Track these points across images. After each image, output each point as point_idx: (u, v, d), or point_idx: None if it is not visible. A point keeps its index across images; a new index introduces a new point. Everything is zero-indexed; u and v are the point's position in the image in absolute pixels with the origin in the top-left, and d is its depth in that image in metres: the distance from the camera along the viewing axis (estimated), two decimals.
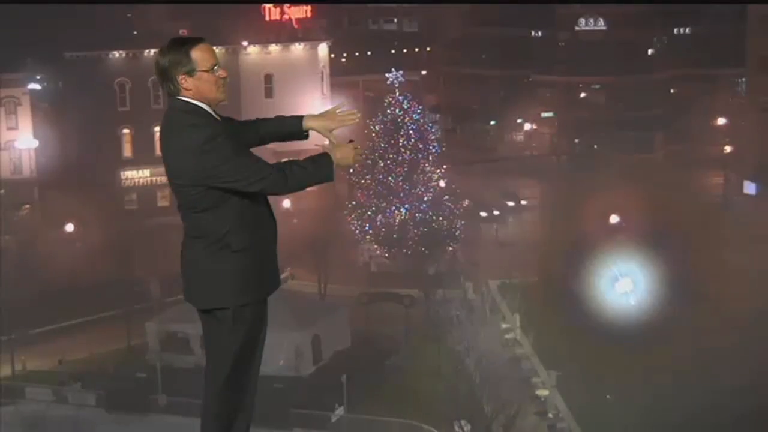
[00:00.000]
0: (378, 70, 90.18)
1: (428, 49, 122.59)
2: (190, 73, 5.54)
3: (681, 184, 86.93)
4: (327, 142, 5.85)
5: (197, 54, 5.56)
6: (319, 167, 5.66)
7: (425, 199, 65.25)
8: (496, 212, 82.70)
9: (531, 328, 56.44)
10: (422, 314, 59.45)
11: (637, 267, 57.96)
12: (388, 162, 66.05)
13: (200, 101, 5.57)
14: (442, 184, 67.42)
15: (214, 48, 5.68)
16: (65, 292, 60.27)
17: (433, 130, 74.03)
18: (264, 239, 5.70)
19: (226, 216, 5.56)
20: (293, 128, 5.98)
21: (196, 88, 5.55)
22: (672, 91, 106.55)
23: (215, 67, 5.59)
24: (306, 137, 6.04)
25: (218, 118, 5.64)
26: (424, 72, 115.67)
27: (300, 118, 5.98)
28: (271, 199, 5.79)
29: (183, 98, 5.56)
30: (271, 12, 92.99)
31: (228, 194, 5.53)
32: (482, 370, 49.63)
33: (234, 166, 5.46)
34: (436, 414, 47.00)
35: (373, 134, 67.63)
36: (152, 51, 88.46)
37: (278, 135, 5.99)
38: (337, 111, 5.99)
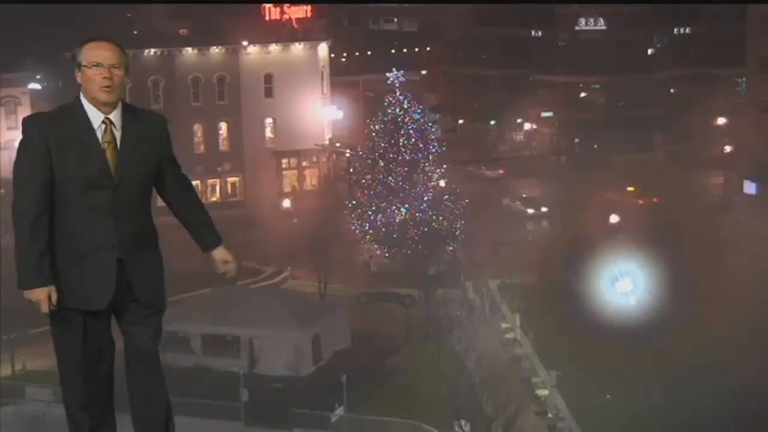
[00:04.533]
0: (378, 70, 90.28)
1: (428, 49, 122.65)
2: (78, 67, 5.69)
3: (681, 184, 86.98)
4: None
5: (87, 49, 5.67)
6: (26, 267, 5.72)
7: (425, 198, 65.24)
8: None
9: (531, 328, 56.42)
10: (422, 314, 59.45)
11: (637, 267, 58.00)
12: (389, 162, 66.03)
13: (88, 100, 5.69)
14: (442, 183, 67.43)
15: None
16: None
17: (433, 129, 73.99)
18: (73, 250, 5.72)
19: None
20: (200, 239, 6.03)
21: (83, 84, 5.69)
22: (672, 91, 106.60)
23: (97, 65, 5.63)
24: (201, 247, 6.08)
25: (99, 119, 5.67)
26: (424, 72, 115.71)
27: (211, 241, 6.03)
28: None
29: (79, 94, 5.74)
30: (271, 12, 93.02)
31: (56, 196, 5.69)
32: (482, 369, 49.62)
33: (15, 171, 5.72)
34: (436, 414, 47.00)
35: (373, 134, 67.62)
36: (152, 51, 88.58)
37: (186, 224, 6.03)
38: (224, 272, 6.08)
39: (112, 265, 5.69)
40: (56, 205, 5.62)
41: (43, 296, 5.65)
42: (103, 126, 5.66)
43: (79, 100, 5.70)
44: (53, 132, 5.63)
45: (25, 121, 5.76)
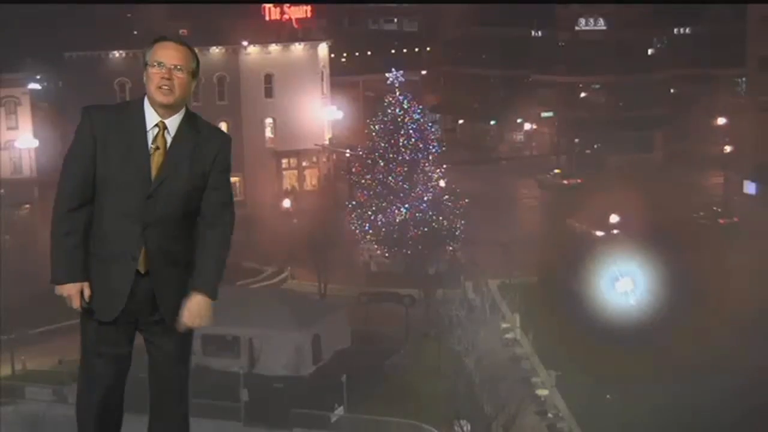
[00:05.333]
0: (378, 70, 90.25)
1: (428, 49, 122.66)
2: (144, 66, 5.41)
3: (681, 184, 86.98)
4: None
5: (154, 48, 5.38)
6: (59, 261, 5.33)
7: (425, 198, 65.26)
8: None
9: (531, 328, 56.41)
10: (422, 314, 59.45)
11: (637, 266, 58.01)
12: (389, 162, 66.05)
13: (149, 101, 5.40)
14: (442, 183, 67.43)
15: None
16: None
17: (433, 130, 74.02)
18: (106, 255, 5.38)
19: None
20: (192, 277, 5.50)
21: (145, 83, 5.41)
22: (672, 91, 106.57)
23: (159, 65, 5.31)
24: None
25: (153, 124, 5.35)
26: (424, 72, 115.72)
27: (195, 284, 5.39)
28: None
29: (144, 94, 5.45)
30: (271, 12, 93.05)
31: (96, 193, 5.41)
32: (482, 369, 49.63)
33: (64, 160, 5.45)
34: (436, 414, 47.00)
35: (373, 134, 67.66)
36: None
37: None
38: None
39: (129, 278, 5.33)
40: (94, 203, 5.36)
41: (74, 291, 5.31)
42: (156, 129, 5.34)
43: (141, 100, 5.42)
44: (105, 126, 5.33)
45: (82, 111, 5.43)
